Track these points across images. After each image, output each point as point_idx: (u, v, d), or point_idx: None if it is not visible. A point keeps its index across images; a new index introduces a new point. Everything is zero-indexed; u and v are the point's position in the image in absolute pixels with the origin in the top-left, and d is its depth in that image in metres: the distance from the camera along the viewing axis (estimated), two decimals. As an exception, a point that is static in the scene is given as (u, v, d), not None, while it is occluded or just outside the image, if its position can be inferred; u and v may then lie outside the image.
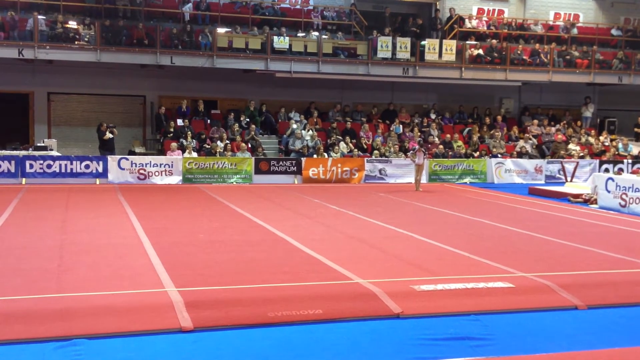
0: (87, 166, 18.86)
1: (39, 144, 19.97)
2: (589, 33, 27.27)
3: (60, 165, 18.66)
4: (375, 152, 21.97)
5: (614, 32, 27.64)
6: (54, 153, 19.35)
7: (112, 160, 19.04)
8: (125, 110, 23.34)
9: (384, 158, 21.56)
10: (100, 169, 18.89)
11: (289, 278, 8.05)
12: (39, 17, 20.41)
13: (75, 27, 20.92)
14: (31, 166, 18.40)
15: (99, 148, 20.38)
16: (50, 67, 21.63)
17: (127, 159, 19.27)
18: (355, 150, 21.94)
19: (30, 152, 18.95)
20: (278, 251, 9.84)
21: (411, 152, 20.54)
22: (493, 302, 7.38)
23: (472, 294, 7.59)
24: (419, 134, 23.21)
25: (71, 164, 18.76)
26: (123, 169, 19.01)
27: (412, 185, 19.58)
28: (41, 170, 18.46)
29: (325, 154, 21.38)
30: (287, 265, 8.79)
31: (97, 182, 18.76)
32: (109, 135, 20.05)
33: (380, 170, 21.08)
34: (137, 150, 21.65)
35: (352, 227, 12.18)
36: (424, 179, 20.16)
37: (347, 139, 22.22)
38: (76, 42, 20.61)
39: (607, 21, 28.25)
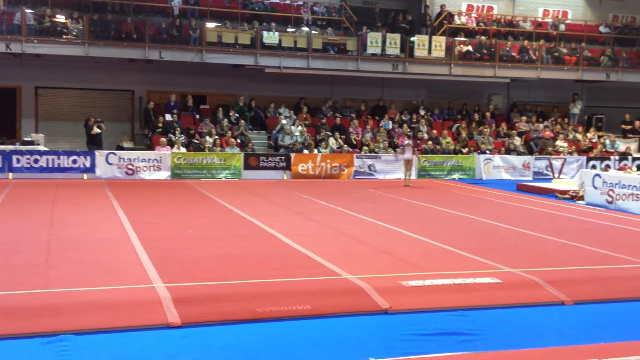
0: (74, 161, 18.75)
1: (26, 139, 19.82)
2: (578, 30, 27.38)
3: (47, 160, 18.54)
4: (365, 147, 21.99)
5: (602, 29, 27.77)
6: (41, 148, 19.21)
7: (99, 155, 18.95)
8: (114, 105, 23.20)
9: (373, 154, 21.59)
10: (87, 164, 18.80)
11: (277, 274, 8.05)
12: (27, 10, 20.24)
13: (64, 21, 20.76)
14: (18, 161, 18.27)
15: (86, 143, 20.26)
16: (37, 61, 21.46)
17: (115, 154, 19.18)
18: (345, 146, 21.95)
19: (17, 147, 18.81)
20: (267, 247, 9.83)
21: (400, 147, 20.57)
22: (481, 297, 7.42)
23: (460, 289, 7.62)
24: (408, 130, 23.24)
25: (58, 158, 18.65)
26: (111, 164, 18.92)
27: (401, 181, 19.61)
28: (28, 165, 18.34)
29: (315, 150, 21.38)
30: (276, 261, 8.79)
31: (85, 177, 18.67)
32: (96, 130, 19.94)
33: (369, 166, 21.11)
34: (125, 145, 21.54)
35: (341, 223, 12.19)
36: (413, 175, 20.20)
37: (337, 134, 22.23)
38: (64, 36, 20.46)
39: (596, 18, 28.38)
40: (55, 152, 18.95)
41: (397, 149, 21.51)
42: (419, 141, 22.38)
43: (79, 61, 21.35)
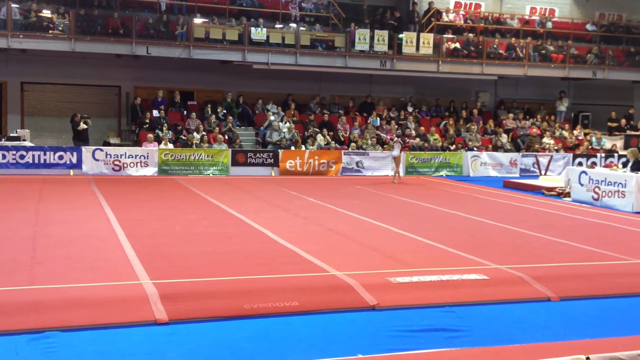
0: (60, 157, 18.62)
1: (11, 134, 19.64)
2: (564, 28, 27.52)
3: (33, 155, 18.40)
4: (352, 144, 21.99)
5: (588, 27, 27.93)
6: (27, 143, 19.07)
7: (86, 151, 18.83)
8: (100, 101, 23.05)
9: (361, 150, 21.60)
10: (74, 160, 18.67)
11: (265, 270, 8.04)
12: (13, 5, 20.04)
13: (50, 16, 20.61)
14: (4, 157, 18.10)
15: (72, 139, 20.13)
16: (23, 56, 21.29)
17: (101, 150, 19.06)
18: (333, 142, 21.94)
19: (3, 143, 18.65)
20: (254, 243, 9.82)
21: (391, 139, 20.57)
22: (467, 293, 7.45)
23: (447, 285, 7.64)
24: (396, 127, 23.25)
25: (44, 154, 18.52)
26: (97, 160, 18.80)
27: (389, 177, 19.63)
28: (14, 161, 18.18)
29: (303, 146, 21.36)
30: (264, 258, 8.78)
31: (71, 173, 18.54)
32: (82, 125, 19.81)
33: (357, 163, 21.12)
34: (112, 141, 21.42)
35: (328, 219, 12.19)
36: (400, 172, 20.23)
37: (325, 131, 22.21)
38: (50, 31, 20.30)
39: (582, 16, 28.53)
40: (42, 147, 18.80)
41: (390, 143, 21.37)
42: (406, 137, 22.42)
43: (66, 56, 21.20)
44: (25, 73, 21.88)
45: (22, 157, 18.28)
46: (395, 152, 19.13)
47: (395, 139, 19.66)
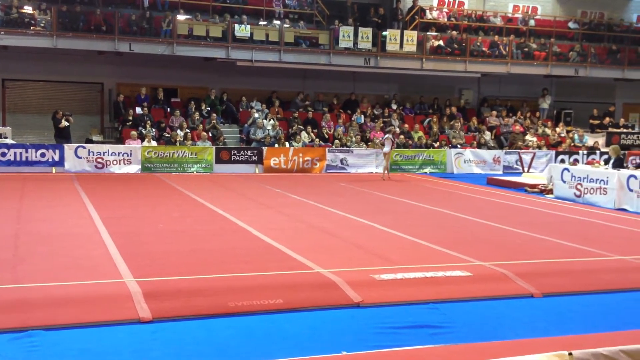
0: (42, 154, 18.46)
1: (-7, 132, 19.50)
2: (547, 26, 27.72)
3: (15, 153, 18.24)
4: (337, 141, 22.00)
5: (571, 25, 28.15)
6: (9, 141, 18.89)
7: (68, 148, 18.68)
8: (83, 98, 22.87)
9: (345, 148, 21.62)
10: (56, 158, 18.53)
11: (249, 268, 8.03)
12: (-7, 1, 19.89)
13: (31, 12, 20.43)
14: (-15, 154, 17.95)
15: (54, 136, 19.96)
16: (5, 53, 21.05)
17: (84, 148, 18.93)
18: (317, 139, 21.94)
19: (-16, 140, 18.49)
20: (239, 241, 9.80)
21: (382, 138, 20.63)
22: (452, 290, 7.48)
23: (432, 282, 7.67)
24: (381, 124, 23.27)
25: (26, 152, 18.35)
26: (80, 158, 18.67)
27: (374, 175, 19.66)
28: (-5, 159, 18.03)
29: (287, 144, 21.34)
30: (248, 255, 8.77)
31: (53, 170, 18.40)
32: (64, 123, 19.65)
33: (341, 160, 21.14)
34: (95, 138, 21.27)
35: (313, 217, 12.20)
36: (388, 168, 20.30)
37: (309, 128, 22.21)
38: (32, 28, 20.12)
39: (565, 14, 28.74)
40: (23, 145, 18.64)
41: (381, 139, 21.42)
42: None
43: (47, 53, 21.01)
44: (7, 70, 21.67)
45: (3, 154, 18.11)
46: (387, 149, 19.20)
47: (386, 135, 19.72)
